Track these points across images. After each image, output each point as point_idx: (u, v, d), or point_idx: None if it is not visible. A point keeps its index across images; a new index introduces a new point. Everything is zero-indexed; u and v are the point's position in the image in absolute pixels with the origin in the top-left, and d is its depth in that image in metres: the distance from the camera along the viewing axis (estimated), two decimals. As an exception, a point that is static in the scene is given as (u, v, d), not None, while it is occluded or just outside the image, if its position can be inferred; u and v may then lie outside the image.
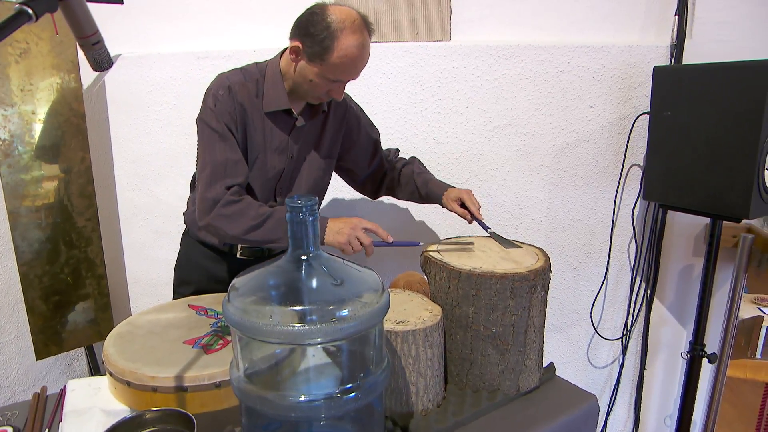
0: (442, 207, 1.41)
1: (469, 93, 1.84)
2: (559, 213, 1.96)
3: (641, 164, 1.93)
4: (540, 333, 1.17)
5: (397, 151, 1.60)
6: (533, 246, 1.29)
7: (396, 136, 1.85)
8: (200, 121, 1.24)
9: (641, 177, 1.93)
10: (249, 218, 1.19)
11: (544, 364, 1.25)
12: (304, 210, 0.76)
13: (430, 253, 1.21)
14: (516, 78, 1.84)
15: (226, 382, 0.97)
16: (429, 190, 1.45)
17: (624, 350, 2.10)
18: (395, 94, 1.83)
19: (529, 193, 1.93)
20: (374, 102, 1.82)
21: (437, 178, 1.49)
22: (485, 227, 1.32)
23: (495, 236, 1.30)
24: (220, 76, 1.26)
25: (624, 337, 2.09)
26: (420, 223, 1.95)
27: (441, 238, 1.50)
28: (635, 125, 1.89)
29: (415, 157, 1.58)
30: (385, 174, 1.55)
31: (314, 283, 0.79)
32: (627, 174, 1.95)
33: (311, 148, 1.37)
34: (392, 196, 1.59)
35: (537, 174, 1.91)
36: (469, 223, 1.36)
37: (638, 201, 1.96)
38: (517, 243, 1.28)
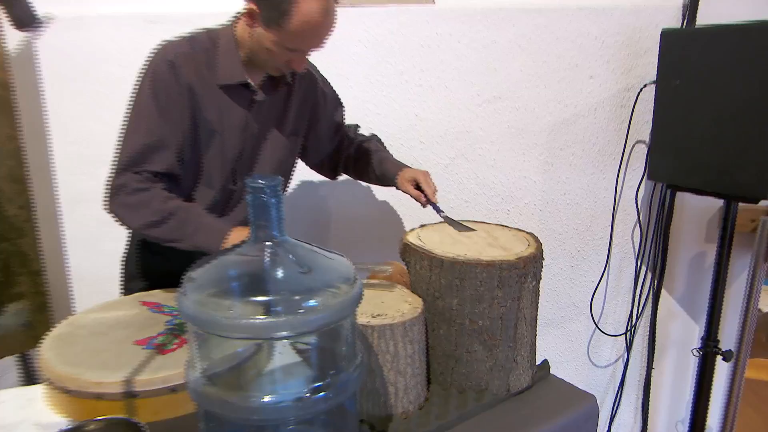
0: (397, 189, 1.45)
1: (455, 63, 1.86)
2: (554, 196, 1.99)
3: (646, 141, 1.97)
4: (532, 327, 1.20)
5: (357, 127, 1.63)
6: (523, 231, 1.32)
7: (373, 111, 1.86)
8: (133, 95, 1.24)
9: (646, 155, 1.96)
10: (150, 212, 1.18)
11: (538, 362, 1.29)
12: (266, 191, 0.76)
13: (410, 240, 1.23)
14: (507, 46, 1.86)
15: (182, 386, 0.98)
16: (383, 170, 1.49)
17: (628, 347, 2.14)
18: (372, 65, 1.84)
19: (522, 175, 1.96)
20: (348, 73, 1.83)
21: (396, 158, 1.54)
22: (438, 210, 1.38)
23: (448, 220, 1.36)
24: (164, 47, 1.24)
25: (628, 333, 2.13)
26: (393, 211, 1.97)
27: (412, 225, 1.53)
28: (640, 97, 1.92)
29: (374, 135, 1.61)
30: (345, 152, 1.57)
31: (279, 271, 0.80)
32: (631, 152, 1.98)
33: (274, 125, 1.37)
34: (348, 175, 1.63)
35: (530, 153, 1.94)
36: (423, 206, 1.41)
37: (643, 181, 1.99)
38: (472, 227, 1.34)
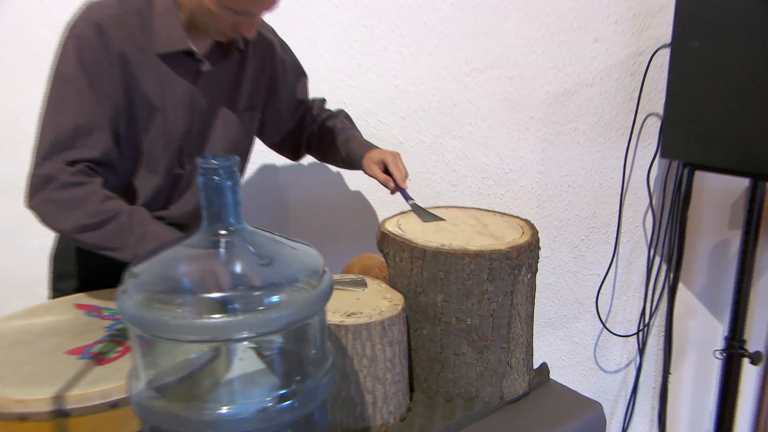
0: (364, 172, 1.46)
1: (440, 26, 1.87)
2: (554, 178, 2.01)
3: (660, 113, 1.99)
4: (528, 326, 1.22)
5: (323, 101, 1.63)
6: (517, 217, 1.33)
7: (346, 83, 1.86)
8: (52, 69, 1.21)
9: (659, 129, 1.99)
10: (84, 213, 1.14)
11: (536, 365, 1.31)
12: (220, 172, 0.76)
13: (388, 228, 1.25)
14: (500, 5, 1.86)
15: (125, 401, 0.98)
16: (349, 151, 1.49)
17: (641, 350, 2.18)
18: (344, 28, 1.84)
19: (517, 154, 1.98)
20: (316, 38, 1.83)
21: (372, 137, 1.56)
22: (407, 197, 1.40)
23: (416, 208, 1.39)
24: (87, 8, 1.20)
25: (641, 333, 2.17)
26: (368, 198, 1.97)
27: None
28: (652, 62, 1.94)
29: (341, 110, 1.62)
30: (308, 130, 1.58)
31: (237, 263, 0.80)
32: (642, 126, 2.01)
33: (225, 99, 1.36)
34: (312, 157, 1.64)
35: (527, 129, 1.96)
36: (392, 193, 1.42)
37: (656, 160, 2.02)
38: (440, 216, 1.36)
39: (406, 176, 1.41)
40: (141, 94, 1.24)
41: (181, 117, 1.30)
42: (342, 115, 1.60)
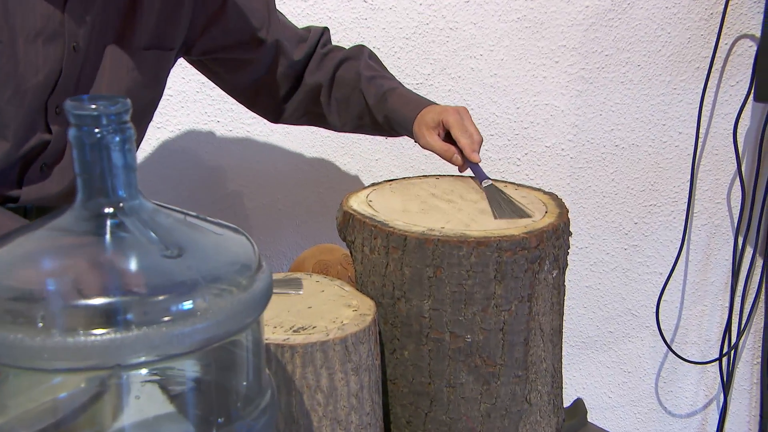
0: (416, 141, 1.46)
1: None
2: (596, 134, 2.04)
3: (755, 34, 2.01)
4: (554, 345, 1.25)
5: (323, 32, 1.62)
6: (539, 190, 1.36)
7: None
8: None
9: (754, 61, 2.00)
10: None
11: (567, 402, 1.33)
12: (103, 121, 0.74)
13: (354, 206, 1.26)
14: None
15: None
16: (388, 112, 1.48)
17: (726, 383, 2.19)
18: None
19: (541, 99, 2.00)
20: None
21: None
22: (482, 176, 1.37)
23: (493, 193, 1.33)
24: None
25: (725, 359, 2.19)
26: (333, 162, 1.99)
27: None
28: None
29: (362, 46, 1.60)
30: (300, 78, 1.58)
31: (129, 255, 0.79)
32: (727, 56, 2.03)
33: (114, 30, 1.36)
34: (317, 124, 1.65)
35: (555, 63, 1.98)
36: (461, 171, 1.42)
37: (747, 105, 2.04)
38: (527, 211, 1.28)
39: (480, 143, 1.39)
40: None
41: (40, 56, 1.28)
42: (365, 54, 1.58)
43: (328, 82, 1.56)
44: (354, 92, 1.53)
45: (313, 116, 1.62)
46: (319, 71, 1.57)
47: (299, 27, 1.61)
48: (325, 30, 1.62)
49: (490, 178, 1.36)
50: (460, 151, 1.38)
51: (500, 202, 1.29)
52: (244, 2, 1.50)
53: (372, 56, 1.59)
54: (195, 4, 1.45)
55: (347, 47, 1.60)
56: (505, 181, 1.41)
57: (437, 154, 1.41)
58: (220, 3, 1.47)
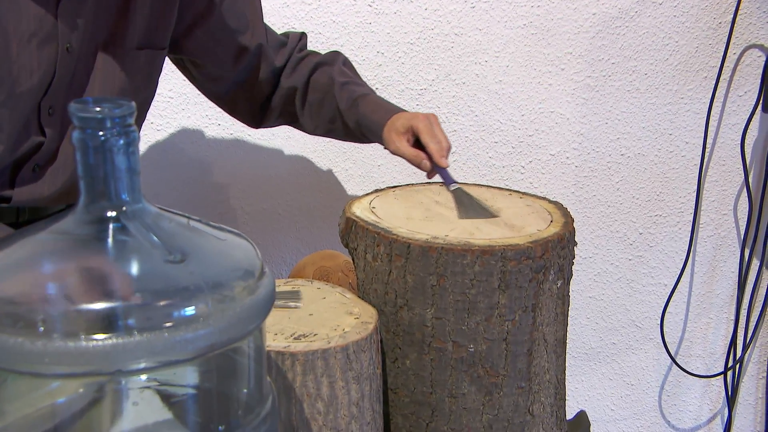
0: (385, 148, 1.48)
1: None
2: (601, 143, 2.05)
3: (765, 45, 2.01)
4: (558, 356, 1.25)
5: (301, 37, 1.63)
6: (544, 199, 1.37)
7: (299, 0, 1.87)
8: None
9: (763, 70, 2.01)
10: None
11: (570, 414, 1.34)
12: (107, 124, 0.76)
13: (357, 213, 1.27)
14: None
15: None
16: (360, 117, 1.50)
17: (730, 397, 2.19)
18: None
19: (547, 106, 2.01)
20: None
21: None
22: (449, 180, 1.41)
23: (460, 196, 1.38)
24: None
25: (730, 373, 2.19)
26: (334, 170, 2.00)
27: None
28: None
29: (336, 53, 1.62)
30: (276, 83, 1.59)
31: (131, 259, 0.80)
32: (735, 65, 2.03)
33: (107, 31, 1.37)
34: (292, 125, 1.65)
35: (561, 70, 1.99)
36: (429, 177, 1.44)
37: (755, 116, 2.04)
38: (493, 211, 1.33)
39: (448, 149, 1.41)
40: None
41: (33, 58, 1.29)
42: (339, 61, 1.59)
43: (303, 86, 1.57)
44: (327, 96, 1.55)
45: (288, 116, 1.63)
46: (295, 74, 1.58)
47: (298, 31, 1.64)
48: (303, 35, 1.64)
49: (457, 182, 1.39)
50: (429, 157, 1.40)
51: (465, 203, 1.34)
52: (230, 5, 1.51)
53: (346, 63, 1.61)
54: (182, 2, 1.46)
55: (323, 53, 1.62)
56: (510, 189, 1.43)
57: (406, 160, 1.43)
58: (206, 3, 1.48)
